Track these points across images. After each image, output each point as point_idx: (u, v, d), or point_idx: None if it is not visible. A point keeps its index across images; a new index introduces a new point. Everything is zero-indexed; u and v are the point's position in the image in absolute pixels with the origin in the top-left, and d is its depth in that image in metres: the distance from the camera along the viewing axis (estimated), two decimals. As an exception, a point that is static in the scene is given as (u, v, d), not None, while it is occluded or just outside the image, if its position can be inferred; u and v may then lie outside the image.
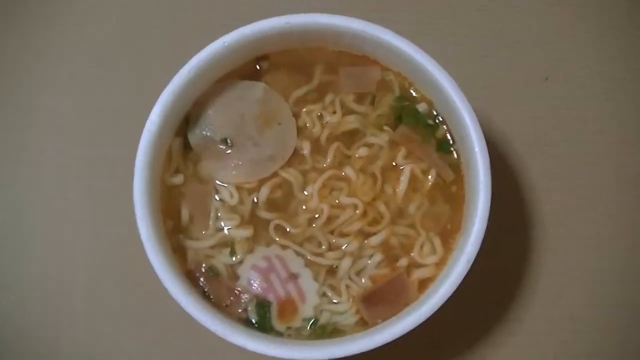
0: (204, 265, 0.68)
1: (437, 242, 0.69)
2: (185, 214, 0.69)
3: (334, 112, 0.71)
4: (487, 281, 0.80)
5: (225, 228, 0.68)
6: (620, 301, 0.82)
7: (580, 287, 0.82)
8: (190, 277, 0.67)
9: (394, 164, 0.70)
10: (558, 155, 0.85)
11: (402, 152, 0.70)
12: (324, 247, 0.68)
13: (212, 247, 0.68)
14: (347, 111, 0.71)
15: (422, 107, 0.71)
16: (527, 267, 0.82)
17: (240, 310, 0.67)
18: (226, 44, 0.67)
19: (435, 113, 0.71)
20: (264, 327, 0.66)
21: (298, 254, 0.68)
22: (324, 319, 0.67)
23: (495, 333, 0.81)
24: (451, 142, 0.71)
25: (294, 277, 0.68)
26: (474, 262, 0.64)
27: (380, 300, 0.67)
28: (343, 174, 0.70)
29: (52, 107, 0.86)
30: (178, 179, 0.69)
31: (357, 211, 0.68)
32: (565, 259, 0.82)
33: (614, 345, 0.82)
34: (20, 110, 0.86)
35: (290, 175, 0.69)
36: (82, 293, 0.82)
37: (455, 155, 0.71)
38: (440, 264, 0.68)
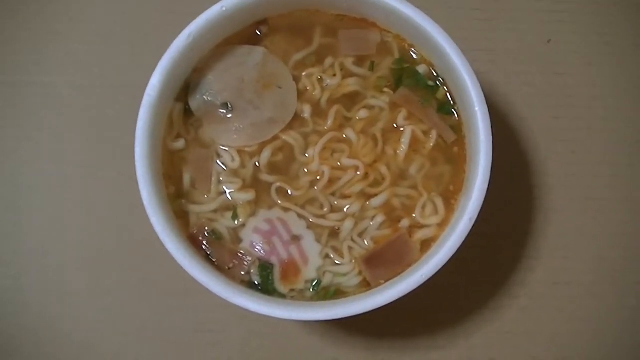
0: (206, 229, 0.68)
1: (439, 202, 0.69)
2: (187, 178, 0.69)
3: (334, 75, 0.71)
4: (490, 244, 0.81)
5: (227, 192, 0.69)
6: (625, 265, 0.82)
7: (585, 249, 0.82)
8: (193, 241, 0.67)
9: (394, 125, 0.70)
10: (561, 117, 0.84)
11: (403, 113, 0.70)
12: (325, 209, 0.68)
13: (215, 211, 0.68)
14: (347, 74, 0.71)
15: (422, 68, 0.71)
16: (531, 230, 0.82)
17: (243, 273, 0.67)
18: (224, 8, 0.67)
19: (435, 74, 0.71)
20: (267, 289, 0.67)
21: (300, 216, 0.68)
22: (326, 280, 0.68)
23: (499, 296, 0.81)
24: (452, 103, 0.70)
25: (296, 239, 0.68)
26: (476, 223, 0.64)
27: (383, 262, 0.67)
28: (344, 136, 0.70)
29: (49, 80, 0.86)
30: (180, 144, 0.69)
31: (359, 173, 0.68)
32: (570, 221, 0.82)
33: (618, 309, 0.82)
34: (16, 85, 0.86)
35: (291, 138, 0.69)
36: (81, 267, 0.82)
37: (456, 116, 0.70)
38: (443, 225, 0.68)
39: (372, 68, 0.71)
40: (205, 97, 0.70)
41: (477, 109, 0.65)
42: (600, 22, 0.87)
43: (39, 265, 0.82)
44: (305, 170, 0.69)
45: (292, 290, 0.67)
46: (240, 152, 0.69)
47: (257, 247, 0.68)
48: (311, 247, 0.68)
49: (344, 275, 0.68)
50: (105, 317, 0.81)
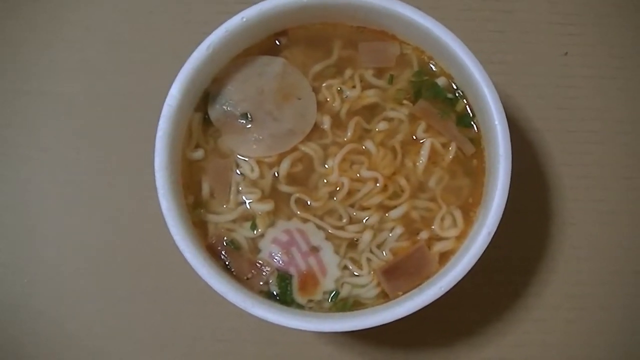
0: (225, 238, 0.68)
1: (458, 215, 0.69)
2: (206, 188, 0.69)
3: (354, 87, 0.71)
4: (507, 256, 0.80)
5: (246, 202, 0.69)
6: (639, 279, 0.82)
7: (599, 262, 0.82)
8: (211, 250, 0.67)
9: (414, 137, 0.70)
10: (575, 130, 0.84)
11: (422, 126, 0.70)
12: (344, 220, 0.68)
13: (233, 221, 0.68)
14: (366, 85, 0.71)
15: (441, 81, 0.71)
16: (547, 242, 0.82)
17: (261, 283, 0.67)
18: (245, 19, 0.67)
19: (454, 87, 0.71)
20: (285, 300, 0.67)
21: (319, 227, 0.68)
22: (345, 292, 0.68)
23: (514, 308, 0.80)
24: (471, 115, 0.71)
25: (315, 250, 0.68)
26: (494, 236, 0.64)
27: (401, 273, 0.67)
28: (363, 147, 0.70)
29: (64, 89, 0.86)
30: (199, 154, 0.69)
31: (378, 185, 0.68)
32: (584, 234, 0.82)
33: (632, 322, 0.81)
34: (30, 94, 0.86)
35: (311, 149, 0.69)
36: (97, 274, 0.82)
37: (475, 129, 0.70)
38: (461, 237, 0.68)
39: (391, 81, 0.71)
40: (224, 107, 0.70)
41: (496, 122, 0.65)
42: (613, 36, 0.87)
43: (53, 273, 0.82)
44: (325, 181, 0.69)
45: (310, 301, 0.67)
46: (259, 162, 0.69)
47: (276, 258, 0.68)
48: (330, 258, 0.68)
49: (362, 286, 0.68)
50: (121, 325, 0.81)
